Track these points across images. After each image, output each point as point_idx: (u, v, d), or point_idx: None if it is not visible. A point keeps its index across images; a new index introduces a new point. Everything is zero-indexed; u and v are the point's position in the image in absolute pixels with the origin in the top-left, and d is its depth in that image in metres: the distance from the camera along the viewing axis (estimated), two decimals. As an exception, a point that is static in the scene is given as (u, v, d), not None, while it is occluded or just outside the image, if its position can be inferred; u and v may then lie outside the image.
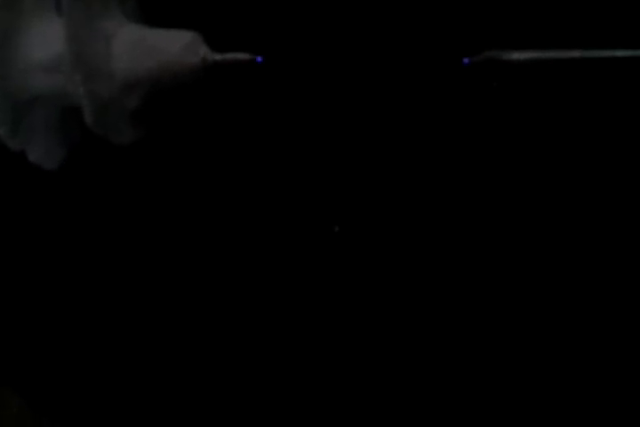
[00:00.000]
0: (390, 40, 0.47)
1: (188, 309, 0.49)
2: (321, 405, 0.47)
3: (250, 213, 0.49)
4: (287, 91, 0.48)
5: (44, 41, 0.45)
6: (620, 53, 0.44)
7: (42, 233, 0.50)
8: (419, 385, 0.47)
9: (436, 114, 0.47)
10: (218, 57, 0.46)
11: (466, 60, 0.45)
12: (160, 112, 0.48)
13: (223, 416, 0.48)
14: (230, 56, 0.46)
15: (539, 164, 0.47)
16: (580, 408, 0.45)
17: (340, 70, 0.47)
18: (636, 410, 0.45)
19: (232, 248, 0.49)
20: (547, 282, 0.47)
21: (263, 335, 0.48)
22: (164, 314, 0.49)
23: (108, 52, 0.45)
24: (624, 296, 0.46)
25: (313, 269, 0.48)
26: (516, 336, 0.47)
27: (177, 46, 0.46)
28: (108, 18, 0.46)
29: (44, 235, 0.50)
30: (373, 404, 0.47)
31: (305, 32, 0.48)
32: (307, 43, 0.48)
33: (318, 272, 0.48)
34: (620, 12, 0.46)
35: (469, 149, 0.47)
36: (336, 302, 0.48)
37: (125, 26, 0.46)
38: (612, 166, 0.47)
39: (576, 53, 0.44)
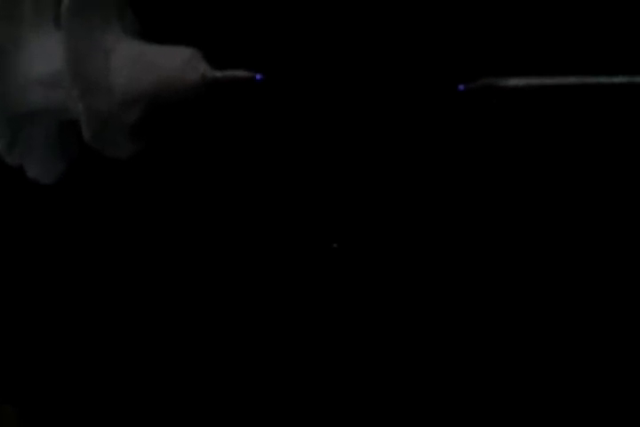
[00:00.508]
0: (386, 65, 0.47)
1: (184, 326, 0.49)
2: (320, 407, 0.47)
3: (248, 229, 0.49)
4: (286, 109, 0.48)
5: (43, 55, 0.45)
6: (617, 80, 0.44)
7: (39, 248, 0.50)
8: (417, 388, 0.47)
9: (432, 140, 0.47)
10: (217, 74, 0.46)
11: (461, 87, 0.45)
12: (159, 128, 0.48)
13: (221, 418, 0.48)
14: (229, 73, 0.46)
15: (535, 189, 0.47)
16: (579, 408, 0.45)
17: (337, 91, 0.47)
18: (636, 410, 0.44)
19: (230, 265, 0.49)
20: (544, 288, 0.47)
21: (261, 349, 0.48)
22: (158, 332, 0.49)
23: (106, 67, 0.45)
24: (624, 296, 0.46)
25: (311, 286, 0.48)
26: (516, 340, 0.46)
27: (176, 62, 0.46)
28: (107, 32, 0.46)
29: (42, 249, 0.50)
30: (372, 405, 0.47)
31: (304, 50, 0.48)
32: (306, 61, 0.48)
33: (317, 288, 0.48)
34: (617, 38, 0.46)
35: (466, 174, 0.47)
36: (335, 317, 0.48)
37: (125, 41, 0.46)
38: (609, 192, 0.47)
39: (573, 80, 0.44)
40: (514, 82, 0.44)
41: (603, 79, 0.44)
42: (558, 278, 0.47)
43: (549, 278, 0.47)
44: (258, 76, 0.46)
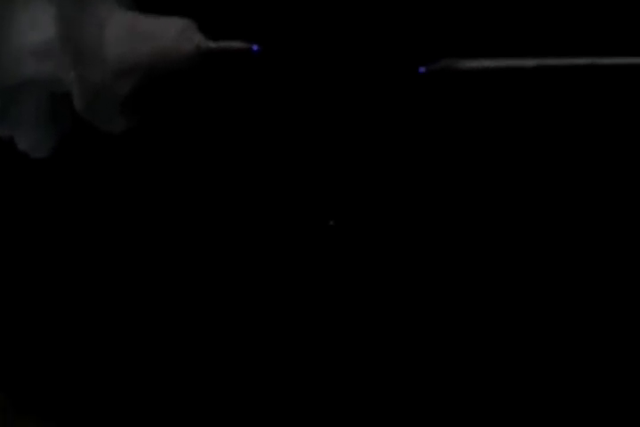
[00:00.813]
0: (349, 48, 0.46)
1: (179, 299, 0.48)
2: (314, 398, 0.47)
3: (243, 205, 0.48)
4: (282, 80, 0.47)
5: (35, 26, 0.44)
6: (578, 61, 0.43)
7: (30, 223, 0.49)
8: (414, 380, 0.46)
9: (393, 121, 0.47)
10: (212, 45, 0.45)
11: (422, 69, 0.44)
12: (152, 101, 0.47)
13: (215, 414, 0.47)
14: (225, 44, 0.45)
15: (494, 171, 0.47)
16: (579, 408, 0.44)
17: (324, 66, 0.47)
18: (636, 410, 0.44)
19: (226, 241, 0.48)
20: (535, 281, 0.46)
21: (258, 329, 0.47)
22: (153, 300, 0.48)
23: (100, 37, 0.44)
24: (624, 296, 0.45)
25: (308, 263, 0.47)
26: (515, 333, 0.46)
27: (171, 33, 0.45)
28: (100, 3, 0.45)
29: (33, 225, 0.49)
30: (368, 400, 0.46)
31: (299, 22, 0.47)
32: (301, 32, 0.47)
33: (313, 266, 0.47)
34: (577, 19, 0.46)
35: (429, 155, 0.47)
36: (332, 296, 0.47)
37: (118, 12, 0.45)
38: (568, 170, 0.47)
39: (531, 62, 0.44)
40: (474, 64, 0.44)
41: (563, 61, 0.43)
42: (548, 268, 0.46)
43: (536, 264, 0.46)
44: (255, 47, 0.45)
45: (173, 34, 0.45)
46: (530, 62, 0.44)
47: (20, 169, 0.48)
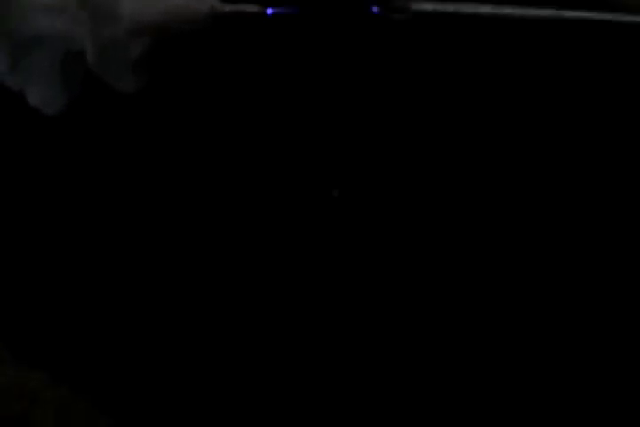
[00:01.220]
0: None
1: (176, 263, 0.48)
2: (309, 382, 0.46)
3: (247, 170, 0.48)
4: (294, 45, 0.48)
5: (51, -19, 0.45)
6: (543, 13, 0.44)
7: (38, 179, 0.49)
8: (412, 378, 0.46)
9: (350, 61, 0.47)
10: (227, 8, 0.45)
11: (374, 9, 0.45)
12: (164, 61, 0.47)
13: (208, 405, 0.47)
14: (239, 7, 0.46)
15: (442, 117, 0.47)
16: (579, 408, 0.44)
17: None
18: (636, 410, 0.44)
19: (228, 208, 0.48)
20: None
21: (258, 299, 0.47)
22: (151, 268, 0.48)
23: (115, -5, 0.45)
24: (624, 297, 0.45)
25: (312, 233, 0.47)
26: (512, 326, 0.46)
27: (186, -6, 0.45)
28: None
29: (41, 181, 0.49)
30: (364, 392, 0.46)
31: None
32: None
33: (317, 236, 0.47)
34: None
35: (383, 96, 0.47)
36: (335, 267, 0.47)
37: (136, -29, 0.46)
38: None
39: (487, 9, 0.44)
40: (428, 6, 0.44)
41: (521, 11, 0.44)
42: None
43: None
44: (269, 11, 0.45)
45: (188, -5, 0.45)
46: (484, 9, 0.44)
47: (29, 124, 0.48)
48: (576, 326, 0.45)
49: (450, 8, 0.44)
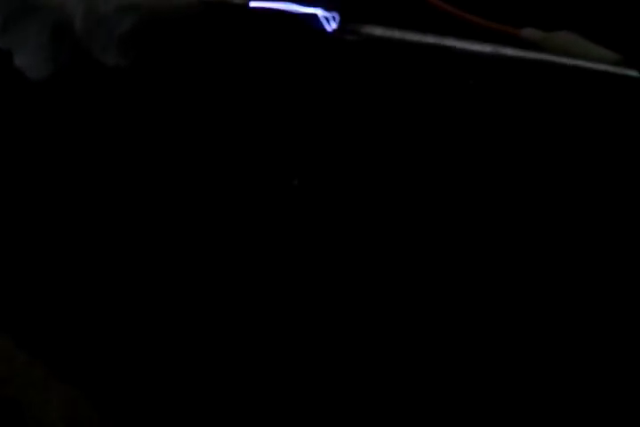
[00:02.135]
0: None
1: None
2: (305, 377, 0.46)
3: (213, 157, 0.50)
4: (267, 40, 0.50)
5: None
6: (479, 48, 0.47)
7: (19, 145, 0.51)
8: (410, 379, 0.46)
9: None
10: (213, -3, 0.48)
11: (329, 29, 0.48)
12: (149, 41, 0.50)
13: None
14: (225, -2, 0.49)
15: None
16: (579, 408, 0.45)
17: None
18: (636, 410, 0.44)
19: (192, 190, 0.50)
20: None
21: (225, 287, 0.48)
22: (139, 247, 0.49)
23: (110, -29, 0.48)
24: (624, 297, 0.46)
25: (273, 223, 0.48)
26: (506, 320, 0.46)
27: (177, -21, 0.48)
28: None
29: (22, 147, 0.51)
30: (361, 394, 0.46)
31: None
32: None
33: (278, 225, 0.48)
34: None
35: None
36: (296, 256, 0.48)
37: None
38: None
39: (431, 39, 0.47)
40: (377, 31, 0.47)
41: (466, 44, 0.47)
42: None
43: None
44: (250, 4, 0.48)
45: (179, -20, 0.48)
46: (428, 39, 0.47)
47: (14, 87, 0.50)
48: (576, 327, 0.45)
49: (397, 34, 0.47)
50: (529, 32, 0.49)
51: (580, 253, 0.46)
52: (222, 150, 0.50)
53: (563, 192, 0.47)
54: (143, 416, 0.45)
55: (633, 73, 0.46)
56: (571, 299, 0.46)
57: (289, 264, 0.48)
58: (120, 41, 0.49)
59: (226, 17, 0.49)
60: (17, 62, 0.49)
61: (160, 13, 0.49)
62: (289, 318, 0.46)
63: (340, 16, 0.48)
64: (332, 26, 0.48)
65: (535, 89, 0.48)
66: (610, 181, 0.47)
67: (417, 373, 0.45)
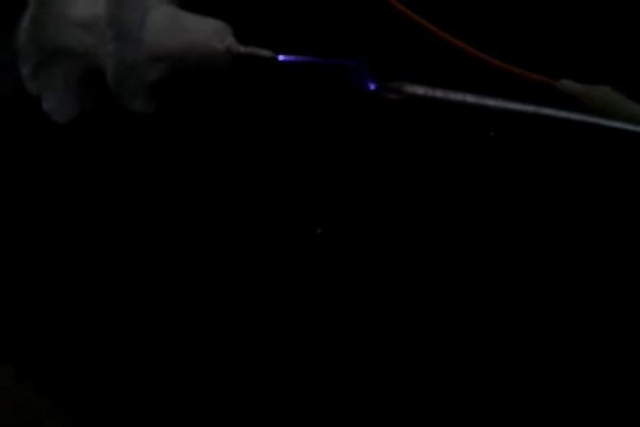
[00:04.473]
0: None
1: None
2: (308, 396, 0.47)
3: (237, 206, 0.51)
4: (297, 94, 0.51)
5: (87, 1, 0.48)
6: (523, 108, 0.48)
7: (40, 184, 0.51)
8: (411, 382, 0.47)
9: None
10: (242, 49, 0.49)
11: (372, 86, 0.48)
12: (177, 90, 0.50)
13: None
14: (253, 50, 0.49)
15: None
16: (579, 408, 0.45)
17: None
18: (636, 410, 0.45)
19: (217, 240, 0.50)
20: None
21: (246, 334, 0.48)
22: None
23: (142, 20, 0.48)
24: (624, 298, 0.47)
25: (296, 271, 0.49)
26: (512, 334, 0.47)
27: (206, 31, 0.49)
28: (150, -7, 0.49)
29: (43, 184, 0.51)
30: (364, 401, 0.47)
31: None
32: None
33: (302, 274, 0.49)
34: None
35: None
36: (320, 303, 0.48)
37: (165, 3, 0.49)
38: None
39: (472, 98, 0.48)
40: (420, 90, 0.48)
41: (507, 104, 0.47)
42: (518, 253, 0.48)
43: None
44: (280, 57, 0.49)
45: (208, 32, 0.49)
46: (468, 99, 0.48)
47: (41, 130, 0.51)
48: (576, 327, 0.46)
49: (439, 93, 0.48)
50: (565, 84, 0.50)
51: (581, 255, 0.48)
52: (247, 200, 0.51)
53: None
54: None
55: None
56: (571, 299, 0.47)
57: (311, 314, 0.48)
58: (148, 89, 0.49)
59: (255, 69, 0.49)
60: (44, 107, 0.49)
61: (187, 62, 0.49)
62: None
63: (376, 71, 0.48)
64: (370, 82, 0.48)
65: (577, 149, 0.50)
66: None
67: (417, 373, 0.46)
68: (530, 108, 0.48)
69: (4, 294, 0.49)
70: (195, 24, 0.49)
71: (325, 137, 0.51)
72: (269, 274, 0.49)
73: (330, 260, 0.49)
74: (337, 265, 0.49)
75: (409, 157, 0.51)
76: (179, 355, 0.48)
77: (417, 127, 0.51)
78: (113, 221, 0.50)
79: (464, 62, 0.52)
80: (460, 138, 0.51)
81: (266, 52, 0.49)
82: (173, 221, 0.51)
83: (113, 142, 0.51)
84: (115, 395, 0.47)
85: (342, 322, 0.48)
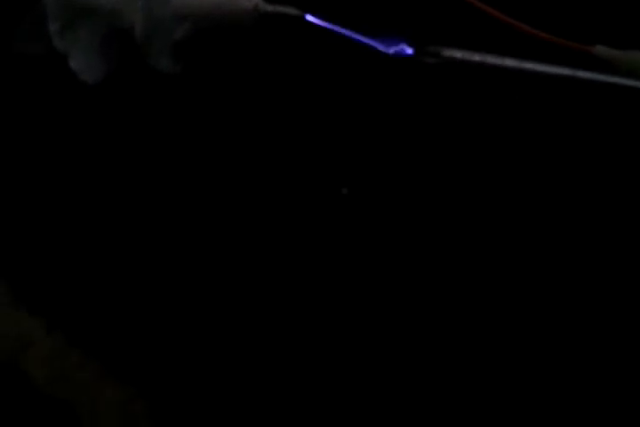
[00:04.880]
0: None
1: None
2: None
3: (259, 168, 0.50)
4: (325, 55, 0.51)
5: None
6: (558, 71, 0.48)
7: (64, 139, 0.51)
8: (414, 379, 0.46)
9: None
10: (269, 8, 0.49)
11: (409, 51, 0.48)
12: (202, 53, 0.50)
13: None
14: (281, 9, 0.49)
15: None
16: (579, 408, 0.45)
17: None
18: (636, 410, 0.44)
19: (239, 202, 0.50)
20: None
21: (265, 298, 0.48)
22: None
23: (170, -22, 0.48)
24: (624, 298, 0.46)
25: (321, 232, 0.48)
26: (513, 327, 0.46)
27: (235, -11, 0.49)
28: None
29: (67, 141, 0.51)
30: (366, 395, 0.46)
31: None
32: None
33: (326, 235, 0.48)
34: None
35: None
36: (344, 266, 0.48)
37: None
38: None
39: (510, 62, 0.48)
40: (458, 54, 0.48)
41: (543, 67, 0.48)
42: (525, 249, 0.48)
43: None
44: (307, 16, 0.49)
45: (237, -10, 0.48)
46: (507, 62, 0.48)
47: (69, 89, 0.50)
48: (576, 327, 0.46)
49: (476, 57, 0.48)
50: (601, 50, 0.50)
51: (582, 256, 0.47)
52: (273, 159, 0.50)
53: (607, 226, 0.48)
54: (199, 415, 0.45)
55: None
56: (571, 300, 0.46)
57: (336, 273, 0.48)
58: (175, 47, 0.49)
59: (282, 27, 0.49)
60: (72, 65, 0.49)
61: (214, 21, 0.49)
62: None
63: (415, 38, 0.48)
64: (406, 47, 0.48)
65: (612, 113, 0.49)
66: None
67: (417, 372, 0.45)
68: (566, 71, 0.48)
69: (31, 242, 0.49)
70: (223, -18, 0.49)
71: (351, 98, 0.51)
72: (295, 234, 0.48)
73: (355, 220, 0.49)
74: (362, 226, 0.49)
75: (434, 120, 0.50)
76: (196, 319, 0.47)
77: (444, 91, 0.51)
78: (139, 179, 0.50)
79: (498, 30, 0.51)
80: (490, 104, 0.51)
81: (293, 11, 0.49)
82: (199, 180, 0.50)
83: (138, 103, 0.51)
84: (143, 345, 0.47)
85: (363, 286, 0.47)
